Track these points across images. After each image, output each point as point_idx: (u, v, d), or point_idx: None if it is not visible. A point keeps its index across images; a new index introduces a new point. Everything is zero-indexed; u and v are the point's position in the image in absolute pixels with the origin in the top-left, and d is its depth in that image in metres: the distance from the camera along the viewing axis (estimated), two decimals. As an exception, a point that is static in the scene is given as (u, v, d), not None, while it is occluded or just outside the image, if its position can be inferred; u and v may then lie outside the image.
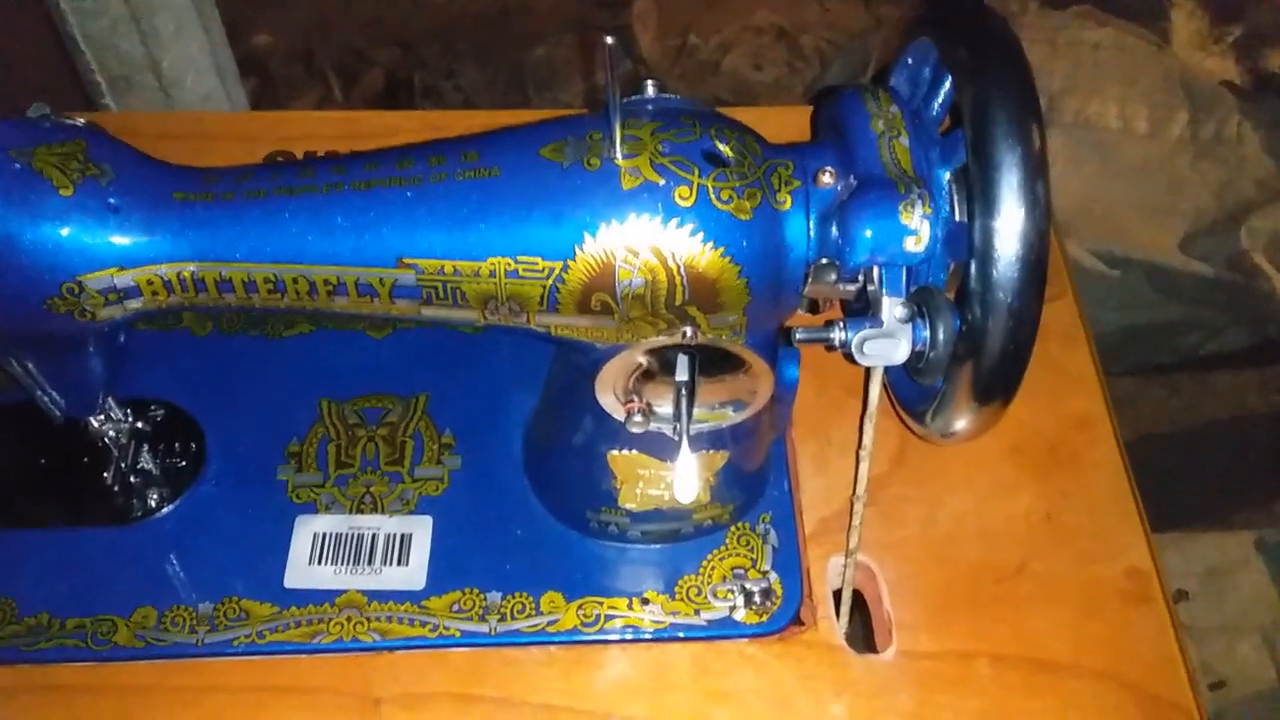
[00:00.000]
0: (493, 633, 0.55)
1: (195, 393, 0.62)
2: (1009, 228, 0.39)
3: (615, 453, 0.52)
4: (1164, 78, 1.37)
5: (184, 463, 0.60)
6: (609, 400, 0.48)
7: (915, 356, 0.42)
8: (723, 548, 0.58)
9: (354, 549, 0.57)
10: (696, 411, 0.48)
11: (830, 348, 0.42)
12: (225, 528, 0.58)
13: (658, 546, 0.58)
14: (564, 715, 0.53)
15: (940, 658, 0.55)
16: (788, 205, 0.43)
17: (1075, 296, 0.68)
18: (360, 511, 0.58)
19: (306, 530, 0.58)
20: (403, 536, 0.58)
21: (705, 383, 0.47)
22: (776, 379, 0.53)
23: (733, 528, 0.58)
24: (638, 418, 0.47)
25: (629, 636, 0.55)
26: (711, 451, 0.52)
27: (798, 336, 0.42)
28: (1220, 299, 1.44)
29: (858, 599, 0.60)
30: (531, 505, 0.59)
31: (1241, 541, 1.44)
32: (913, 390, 0.50)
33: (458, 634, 0.55)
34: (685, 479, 0.48)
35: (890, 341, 0.40)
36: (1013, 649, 0.55)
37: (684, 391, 0.47)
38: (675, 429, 0.48)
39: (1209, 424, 1.60)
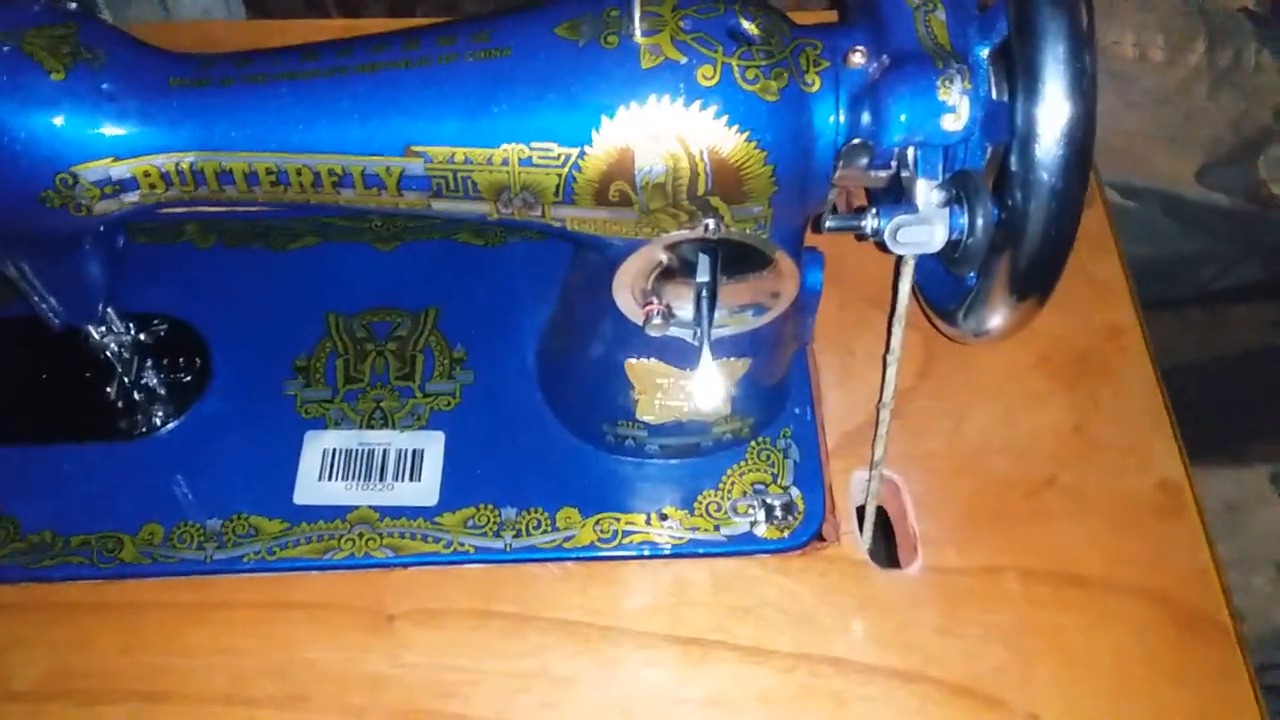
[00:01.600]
0: (508, 549, 0.53)
1: (199, 306, 0.61)
2: (1053, 103, 0.36)
3: (633, 361, 0.50)
4: (1181, 5, 1.34)
5: (188, 378, 0.58)
6: (627, 302, 0.46)
7: (951, 246, 0.39)
8: (743, 463, 0.56)
9: (365, 465, 0.56)
10: (718, 314, 0.46)
11: (861, 237, 0.40)
12: (232, 444, 0.57)
13: (676, 461, 0.56)
14: (582, 631, 0.52)
15: (967, 572, 0.53)
16: (816, 87, 0.40)
17: (1105, 204, 0.66)
18: (370, 427, 0.57)
19: (316, 446, 0.56)
20: (415, 452, 0.56)
21: (727, 283, 0.45)
22: (800, 283, 0.51)
23: (753, 442, 0.56)
24: (657, 320, 0.46)
25: (647, 553, 0.54)
26: (733, 359, 0.50)
27: (827, 224, 0.40)
28: (1236, 231, 1.41)
29: (882, 515, 0.58)
30: (546, 420, 0.57)
31: (1257, 476, 1.43)
32: (944, 287, 0.48)
33: (472, 550, 0.53)
34: (707, 385, 0.46)
35: (926, 228, 0.38)
36: (1042, 563, 0.53)
37: (705, 292, 0.45)
38: (696, 333, 0.46)
39: (1223, 359, 1.58)
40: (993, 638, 0.51)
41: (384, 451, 0.56)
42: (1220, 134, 1.41)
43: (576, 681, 0.50)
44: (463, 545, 0.53)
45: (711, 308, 0.45)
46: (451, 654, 0.51)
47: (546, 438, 0.57)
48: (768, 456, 0.56)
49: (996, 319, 0.44)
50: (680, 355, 0.50)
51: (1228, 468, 1.43)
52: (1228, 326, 1.62)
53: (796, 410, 0.58)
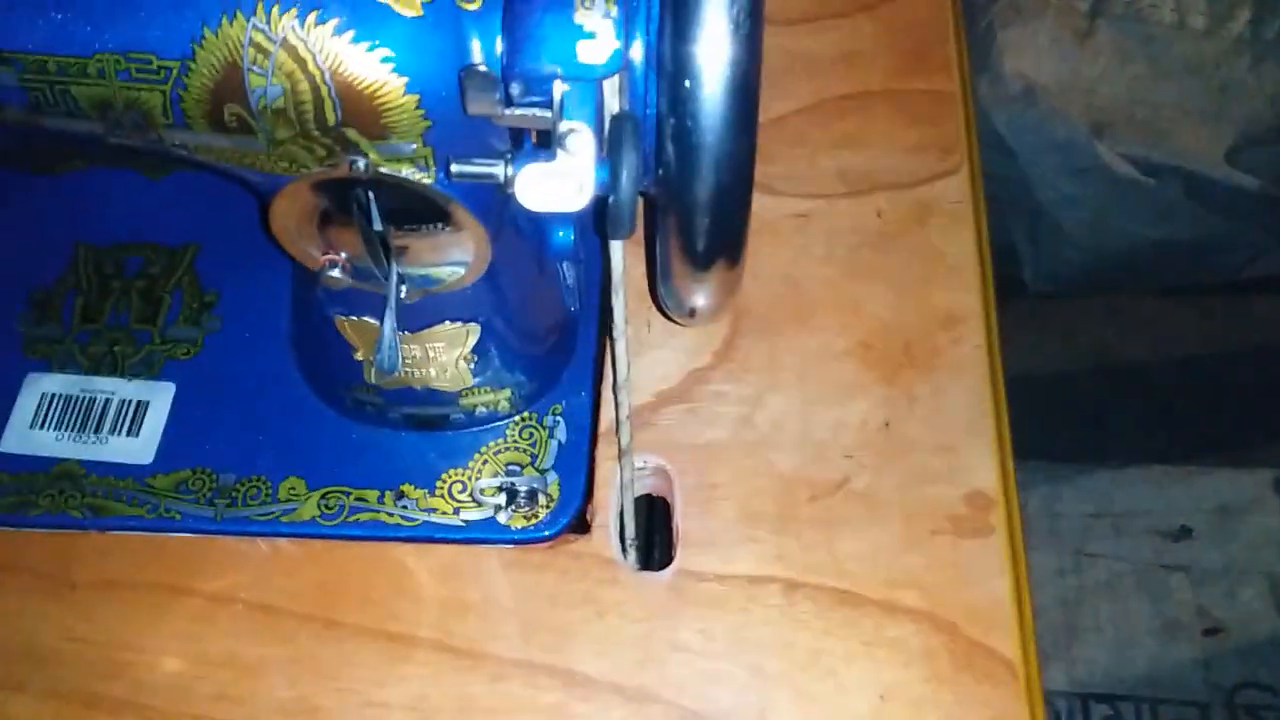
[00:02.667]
0: (218, 518, 0.48)
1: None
2: (703, 40, 0.29)
3: (343, 318, 0.44)
4: (1228, -32, 1.24)
5: (-86, 306, 0.53)
6: (301, 249, 0.40)
7: (600, 204, 0.33)
8: (501, 440, 0.50)
9: (83, 414, 0.50)
10: (408, 270, 0.40)
11: (498, 186, 0.33)
12: (-54, 382, 0.52)
13: (423, 434, 0.50)
14: (281, 617, 0.46)
15: (726, 580, 0.47)
16: (478, 4, 0.33)
17: (976, 173, 0.58)
18: (98, 373, 0.51)
19: (35, 389, 0.51)
20: (139, 404, 0.51)
21: (405, 235, 0.39)
22: (539, 244, 0.45)
23: (517, 418, 0.50)
24: (333, 272, 0.39)
25: (373, 534, 0.48)
26: (459, 325, 0.44)
27: (453, 169, 0.34)
28: (1267, 216, 1.31)
29: (662, 510, 0.52)
30: (291, 380, 0.51)
31: (1259, 480, 1.34)
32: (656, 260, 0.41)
33: (178, 517, 0.48)
34: (387, 349, 0.40)
35: (563, 181, 0.31)
36: (814, 577, 0.47)
37: (377, 242, 0.38)
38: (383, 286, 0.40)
39: (1239, 353, 1.48)
40: (739, 658, 0.45)
41: (105, 401, 0.51)
42: (1258, 111, 1.30)
43: (262, 674, 0.45)
44: (169, 511, 0.48)
45: (389, 260, 0.39)
46: (131, 632, 0.46)
47: (287, 399, 0.51)
48: (530, 435, 0.50)
49: (693, 296, 0.37)
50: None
51: (1228, 469, 1.34)
52: (1249, 319, 1.52)
53: (574, 382, 0.51)
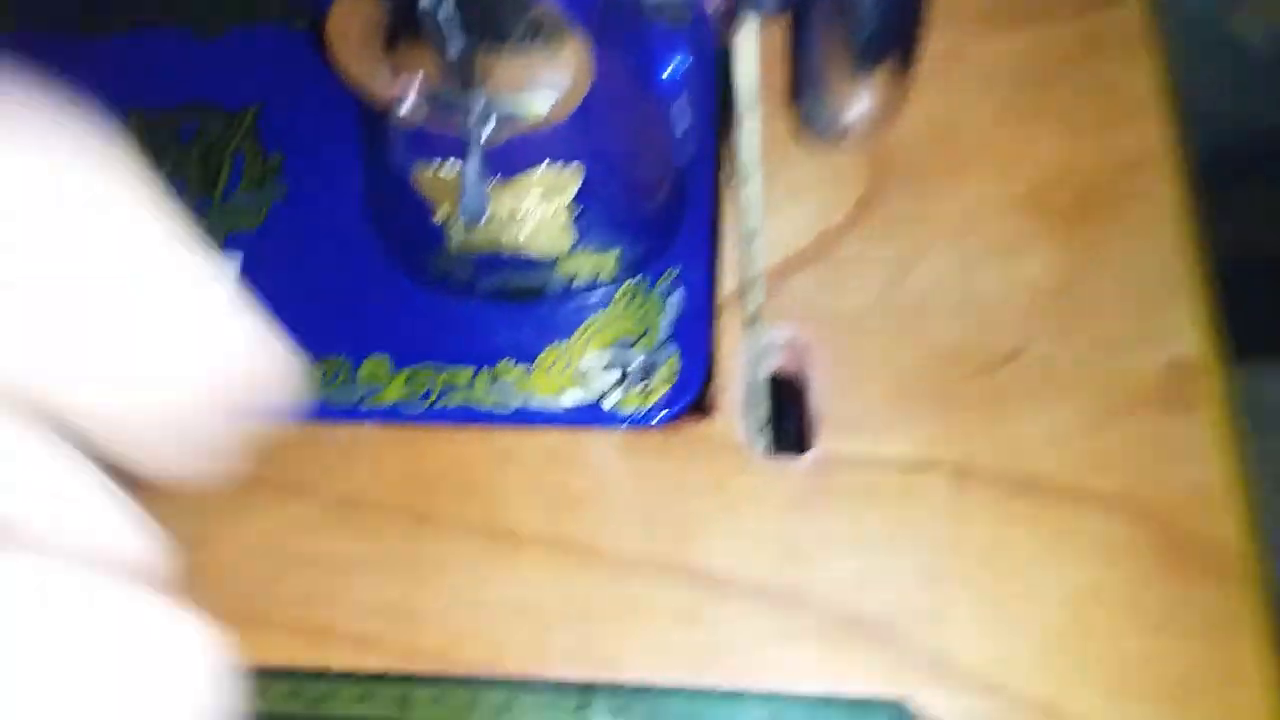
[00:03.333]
0: (292, 403, 0.42)
1: (-18, 99, 0.50)
2: None
3: (421, 170, 0.38)
4: None
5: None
6: (365, 77, 0.33)
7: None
8: (607, 312, 0.43)
9: (138, 292, 0.44)
10: (488, 97, 0.33)
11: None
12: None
13: (519, 307, 0.43)
14: (370, 515, 0.40)
15: (880, 467, 0.40)
16: None
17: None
18: (154, 247, 0.46)
19: (84, 267, 0.45)
20: (199, 279, 0.45)
21: (490, 51, 0.32)
22: (647, 70, 0.38)
23: (626, 285, 0.43)
24: (406, 106, 0.33)
25: (466, 418, 0.42)
26: (557, 168, 0.37)
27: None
28: None
29: (792, 389, 0.45)
30: (368, 249, 0.45)
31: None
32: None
33: (247, 402, 0.42)
34: (472, 192, 0.33)
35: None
36: (987, 460, 0.39)
37: (456, 64, 0.31)
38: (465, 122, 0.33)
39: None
40: (902, 555, 0.38)
41: (163, 277, 0.45)
42: None
43: (350, 573, 0.39)
44: (237, 396, 0.42)
45: (470, 85, 0.32)
46: (202, 530, 0.40)
47: (364, 271, 0.45)
48: (641, 304, 0.43)
49: (852, 102, 0.30)
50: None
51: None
52: None
53: (691, 242, 0.44)
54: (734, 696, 0.36)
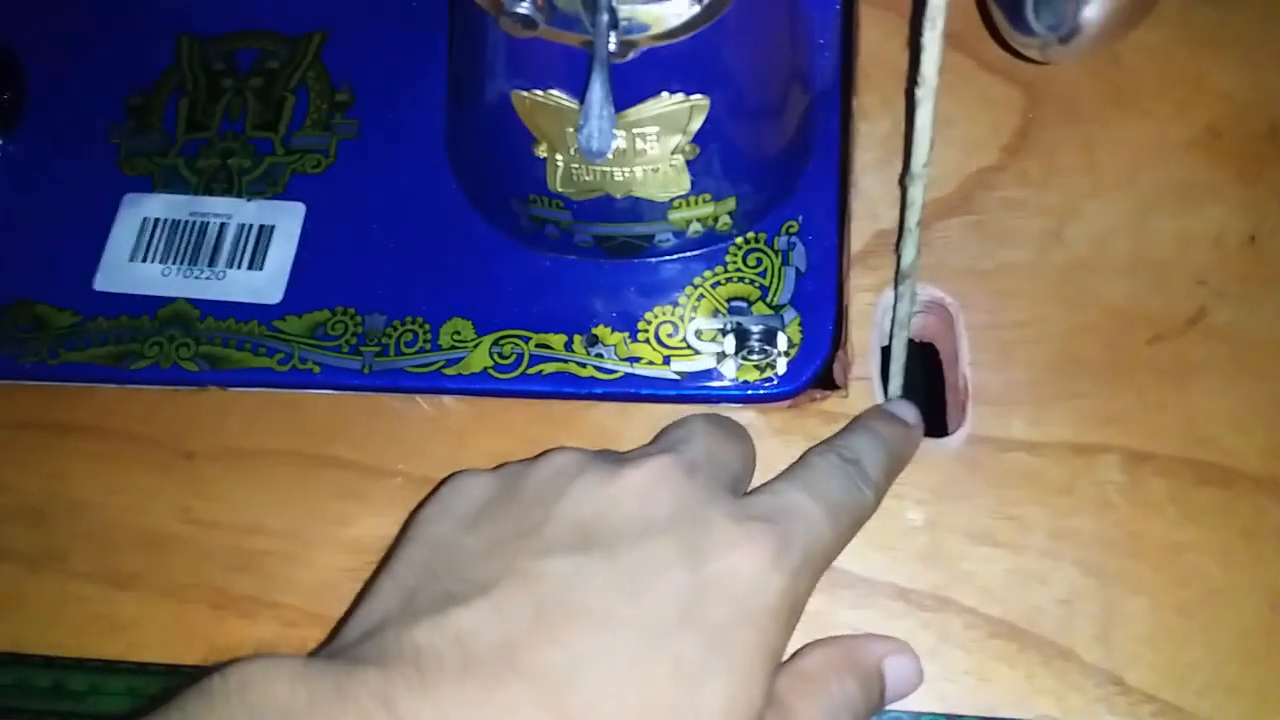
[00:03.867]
0: (366, 370, 0.37)
1: (22, 24, 0.45)
2: None
3: (524, 94, 0.32)
4: None
5: (-8, 117, 0.43)
6: (474, -20, 0.28)
7: None
8: (720, 269, 0.38)
9: (193, 242, 0.40)
10: (614, 4, 0.28)
11: None
12: (31, 207, 0.42)
13: (620, 262, 0.38)
14: (450, 494, 0.36)
15: (1039, 450, 0.34)
16: None
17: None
18: (210, 192, 0.41)
19: (134, 213, 0.41)
20: (261, 229, 0.40)
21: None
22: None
23: (739, 240, 0.38)
24: (519, 8, 0.27)
25: (560, 389, 0.37)
26: (679, 99, 0.32)
27: None
28: None
29: (929, 357, 0.39)
30: (448, 196, 0.40)
31: None
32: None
33: (316, 369, 0.38)
34: (596, 119, 0.28)
35: None
36: (1164, 445, 0.34)
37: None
38: (590, 34, 0.28)
39: None
40: (1065, 555, 0.33)
41: (221, 226, 0.40)
42: None
43: (431, 567, 0.35)
44: (305, 363, 0.38)
45: (598, -13, 0.27)
46: (264, 512, 0.36)
47: (444, 222, 0.40)
48: (758, 261, 0.38)
49: (1086, 8, 0.24)
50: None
51: None
52: None
53: (814, 190, 0.38)
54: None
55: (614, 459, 0.29)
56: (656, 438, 0.33)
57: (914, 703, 0.32)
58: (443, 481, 0.31)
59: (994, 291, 0.37)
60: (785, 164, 0.38)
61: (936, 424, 0.37)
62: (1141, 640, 0.32)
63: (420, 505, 0.30)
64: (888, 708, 0.31)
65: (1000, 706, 0.31)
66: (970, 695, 0.32)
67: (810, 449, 0.32)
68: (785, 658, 0.29)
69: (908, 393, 0.37)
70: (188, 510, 0.36)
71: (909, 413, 0.34)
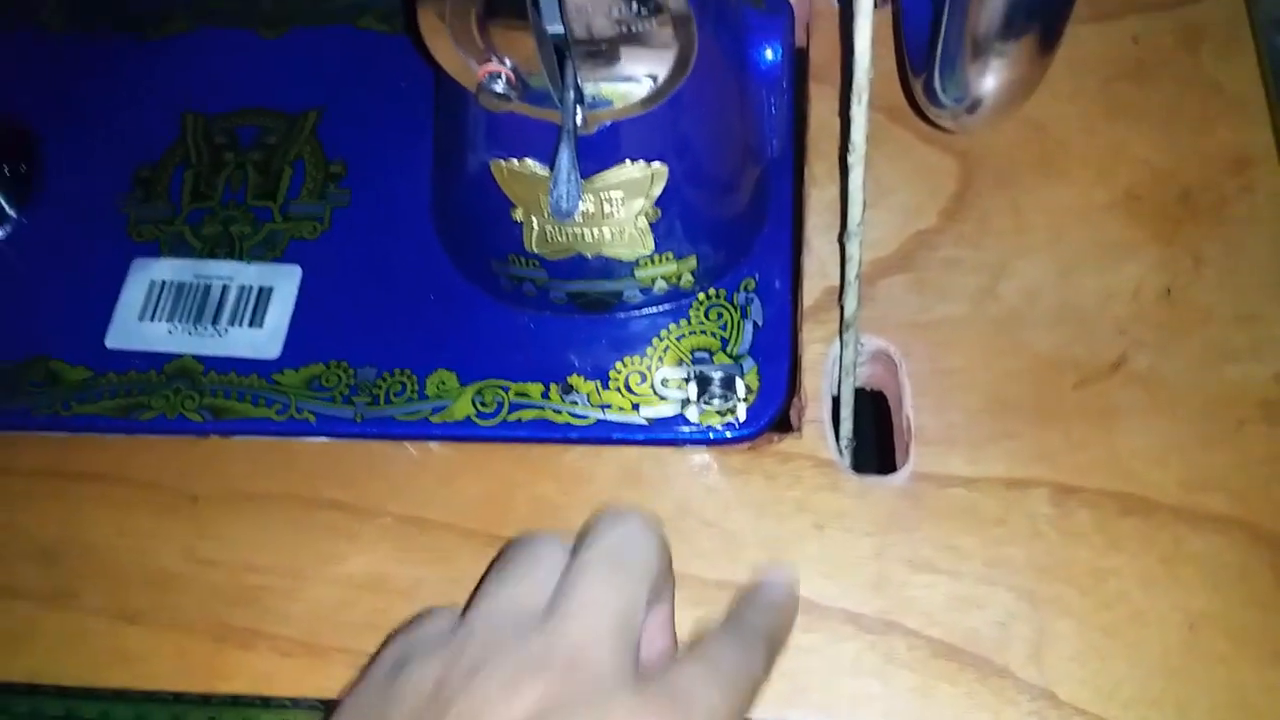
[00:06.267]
0: (358, 419, 0.40)
1: (39, 101, 0.49)
2: None
3: (501, 163, 0.36)
4: None
5: (13, 184, 0.47)
6: (454, 61, 0.32)
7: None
8: (684, 323, 0.41)
9: (198, 303, 0.43)
10: (586, 84, 0.31)
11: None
12: (46, 271, 0.45)
13: (592, 317, 0.42)
14: (440, 536, 0.39)
15: (977, 486, 0.38)
16: None
17: (1249, -9, 0.47)
18: (213, 256, 0.44)
19: (143, 276, 0.44)
20: (261, 290, 0.43)
21: (587, 36, 0.30)
22: (740, 61, 0.36)
23: (701, 296, 0.41)
24: (495, 85, 0.31)
25: (538, 434, 0.40)
26: (641, 166, 0.35)
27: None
28: None
29: (876, 401, 0.43)
30: (433, 258, 0.43)
31: None
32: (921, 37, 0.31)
33: (311, 418, 0.41)
34: (565, 182, 0.31)
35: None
36: (1090, 479, 0.37)
37: (551, 44, 0.30)
38: (559, 109, 0.31)
39: None
40: (1000, 581, 0.36)
41: (223, 287, 0.43)
42: None
43: (418, 598, 0.38)
44: (301, 412, 0.41)
45: (563, 69, 0.30)
46: (263, 551, 0.39)
47: (430, 281, 0.43)
48: (719, 315, 0.41)
49: (988, 75, 0.28)
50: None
51: None
52: None
53: (769, 248, 0.42)
54: (826, 730, 0.34)
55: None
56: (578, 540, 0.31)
57: (862, 717, 0.34)
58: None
59: (934, 341, 0.40)
60: (742, 226, 0.41)
61: (886, 464, 0.41)
62: (1071, 659, 0.35)
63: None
64: (838, 722, 0.34)
65: (941, 720, 0.34)
66: (915, 712, 0.34)
67: (706, 632, 0.32)
68: None
69: (859, 435, 0.40)
70: (192, 550, 0.39)
71: (783, 592, 0.35)
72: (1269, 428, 0.37)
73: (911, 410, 0.39)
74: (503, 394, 0.40)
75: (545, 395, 0.40)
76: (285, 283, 0.43)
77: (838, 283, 0.41)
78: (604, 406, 0.40)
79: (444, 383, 0.41)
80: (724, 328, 0.41)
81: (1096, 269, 0.41)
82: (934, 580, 0.36)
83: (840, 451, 0.39)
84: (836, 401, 0.39)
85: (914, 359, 0.40)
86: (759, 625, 0.32)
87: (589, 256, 0.39)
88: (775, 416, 0.40)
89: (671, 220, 0.38)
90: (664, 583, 0.31)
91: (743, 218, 0.41)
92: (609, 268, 0.39)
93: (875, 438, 0.43)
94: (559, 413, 0.40)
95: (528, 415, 0.40)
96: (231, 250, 0.44)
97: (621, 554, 0.30)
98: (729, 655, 0.30)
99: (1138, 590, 0.35)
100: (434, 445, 0.40)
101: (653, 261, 0.39)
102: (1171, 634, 0.35)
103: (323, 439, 0.41)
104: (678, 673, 0.29)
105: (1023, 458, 0.38)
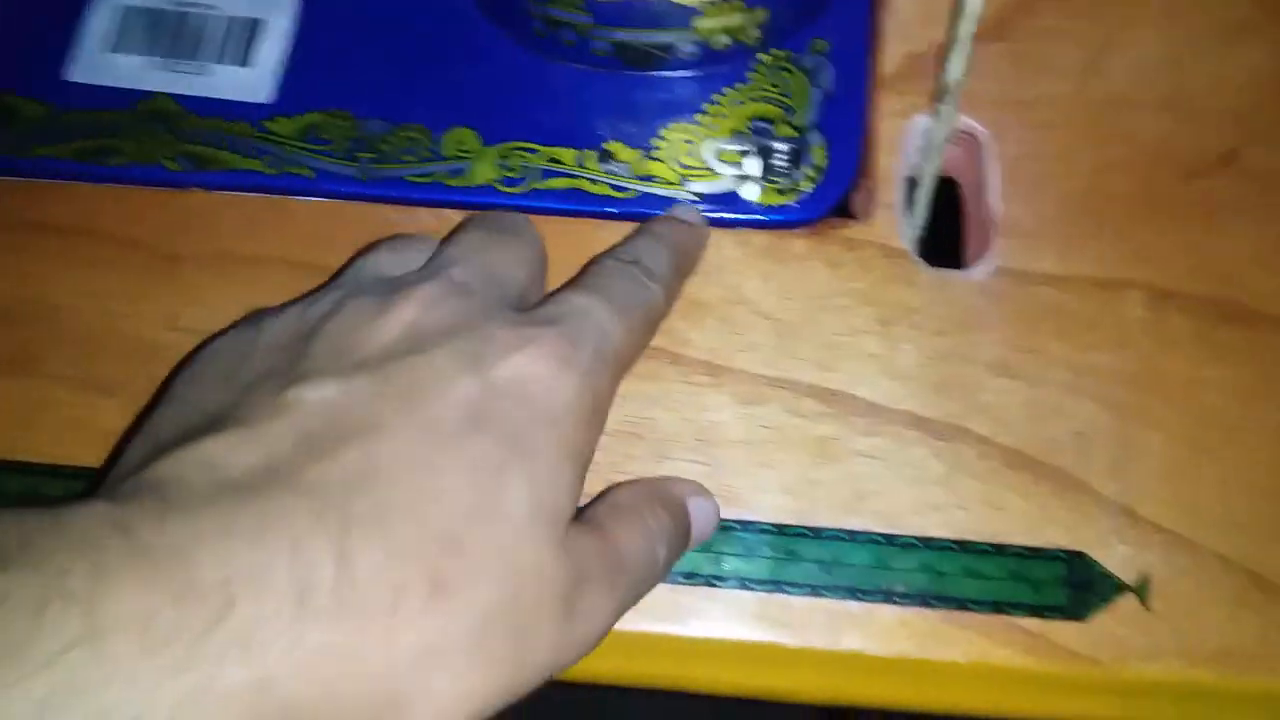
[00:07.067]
0: (363, 177, 0.35)
1: None
2: None
3: None
4: None
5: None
6: None
7: None
8: (743, 86, 0.36)
9: (175, 35, 0.37)
10: None
11: None
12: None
13: (639, 74, 0.36)
14: (454, 309, 0.34)
15: (1066, 284, 0.34)
16: None
17: None
18: (193, -19, 0.38)
19: (108, 2, 0.38)
20: (248, 22, 0.37)
21: None
22: None
23: (765, 55, 0.36)
24: None
25: (570, 206, 0.35)
26: (720, -116, 0.30)
27: None
28: None
29: (950, 189, 0.38)
30: (453, -6, 0.37)
31: None
32: None
33: (310, 173, 0.35)
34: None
35: None
36: (1189, 282, 0.33)
37: None
38: None
39: None
40: (1085, 388, 0.32)
41: (203, 17, 0.37)
42: None
43: (433, 382, 0.33)
44: (297, 166, 0.35)
45: None
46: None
47: (447, 23, 0.37)
48: (784, 79, 0.36)
49: None
50: None
51: None
52: None
53: (844, 13, 0.37)
54: (884, 542, 0.31)
55: (384, 288, 0.27)
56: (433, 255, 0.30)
57: (925, 528, 0.31)
58: (200, 345, 0.28)
59: (1029, 122, 0.35)
60: (816, -24, 0.36)
61: (954, 258, 0.37)
62: (1155, 475, 0.32)
63: (178, 365, 0.28)
64: (888, 533, 0.31)
65: (1011, 534, 0.31)
66: (983, 524, 0.31)
67: (590, 259, 0.31)
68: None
69: (928, 224, 0.36)
70: (175, 317, 0.34)
71: (690, 213, 0.33)
72: (1391, 236, 0.34)
73: (996, 198, 0.35)
74: (531, 158, 0.35)
75: (580, 162, 0.35)
76: (278, 15, 0.37)
77: (923, 49, 0.36)
78: (647, 178, 0.35)
79: (463, 142, 0.36)
80: (788, 94, 0.36)
81: (1213, 48, 0.36)
82: (1010, 386, 0.33)
83: (917, 240, 0.35)
84: (909, 185, 0.35)
85: (1006, 142, 0.35)
86: (659, 250, 0.31)
87: (642, 3, 0.33)
88: (842, 199, 0.35)
89: (743, -42, 0.32)
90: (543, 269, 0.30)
91: (817, -34, 0.36)
92: (666, 14, 0.34)
93: (944, 230, 0.38)
94: (595, 183, 0.35)
95: (559, 184, 0.35)
96: (215, -26, 0.38)
97: (500, 224, 0.30)
98: (621, 283, 0.29)
99: (1235, 405, 0.32)
100: (451, 213, 0.35)
101: (719, 10, 0.34)
102: (1265, 454, 0.32)
103: (322, 199, 0.35)
104: (563, 299, 0.28)
105: (1118, 256, 0.34)
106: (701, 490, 0.30)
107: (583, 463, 0.26)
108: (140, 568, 0.20)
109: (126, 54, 0.37)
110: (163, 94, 0.36)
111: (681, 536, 0.29)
